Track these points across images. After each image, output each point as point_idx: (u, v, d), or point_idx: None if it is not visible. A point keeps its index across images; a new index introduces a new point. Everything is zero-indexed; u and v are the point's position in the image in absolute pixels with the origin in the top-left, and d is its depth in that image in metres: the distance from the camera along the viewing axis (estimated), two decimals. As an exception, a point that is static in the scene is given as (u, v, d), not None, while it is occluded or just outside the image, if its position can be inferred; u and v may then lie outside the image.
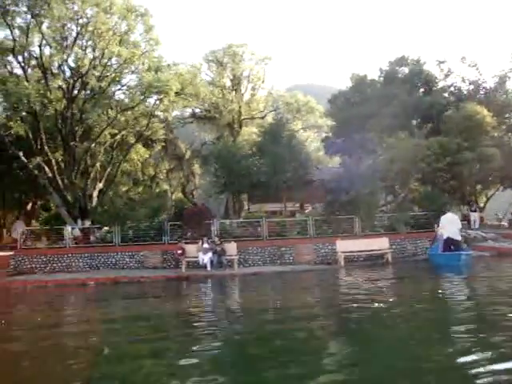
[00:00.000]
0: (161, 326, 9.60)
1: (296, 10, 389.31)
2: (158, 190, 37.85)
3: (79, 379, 6.02)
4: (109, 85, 26.36)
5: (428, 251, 20.27)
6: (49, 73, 25.17)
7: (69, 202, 25.13)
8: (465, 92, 30.45)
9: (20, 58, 24.70)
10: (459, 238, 18.37)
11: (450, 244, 18.07)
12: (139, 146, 31.28)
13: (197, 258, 19.65)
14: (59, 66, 25.76)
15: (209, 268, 19.24)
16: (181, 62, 29.59)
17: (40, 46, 24.60)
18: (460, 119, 25.71)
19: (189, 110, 38.67)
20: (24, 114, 25.13)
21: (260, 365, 6.15)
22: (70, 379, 6.00)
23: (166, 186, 39.85)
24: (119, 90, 28.59)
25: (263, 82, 40.61)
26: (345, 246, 20.35)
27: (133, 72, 27.43)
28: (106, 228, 22.30)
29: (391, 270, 18.08)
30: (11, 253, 21.42)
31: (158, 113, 29.39)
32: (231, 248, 20.08)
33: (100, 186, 28.38)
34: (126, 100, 28.35)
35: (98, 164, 28.81)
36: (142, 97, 26.70)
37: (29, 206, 34.64)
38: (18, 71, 25.19)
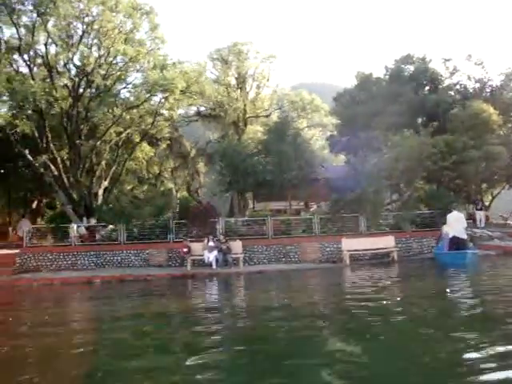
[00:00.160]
0: (168, 323, 9.60)
1: (300, 9, 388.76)
2: (162, 189, 37.87)
3: (84, 374, 6.05)
4: (114, 83, 26.49)
5: (434, 250, 20.22)
6: (54, 71, 25.29)
7: (74, 200, 25.22)
8: (471, 90, 30.31)
9: (26, 57, 24.84)
10: (465, 236, 18.26)
11: (455, 243, 17.99)
12: (144, 144, 31.37)
13: (202, 256, 19.69)
14: (65, 65, 25.87)
15: (214, 266, 19.26)
16: (186, 60, 29.67)
17: (46, 45, 24.72)
18: (466, 117, 25.62)
19: (194, 109, 38.79)
20: (30, 112, 25.19)
21: (267, 363, 6.13)
22: (75, 374, 6.03)
23: (170, 185, 39.87)
24: (124, 88, 28.76)
25: (268, 80, 40.73)
26: (350, 245, 20.32)
27: (138, 70, 27.58)
28: (111, 226, 22.35)
29: (397, 269, 18.04)
30: (17, 251, 21.49)
31: (163, 111, 29.41)
32: (236, 246, 20.10)
33: (105, 184, 28.49)
34: (132, 98, 28.46)
35: (103, 162, 28.91)
36: (147, 95, 26.79)
37: (34, 205, 34.74)
38: (24, 70, 25.36)
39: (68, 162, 26.36)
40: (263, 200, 29.20)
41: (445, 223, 18.95)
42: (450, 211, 19.47)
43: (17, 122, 24.45)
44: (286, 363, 5.93)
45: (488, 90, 29.96)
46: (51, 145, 25.40)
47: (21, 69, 25.40)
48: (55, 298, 14.88)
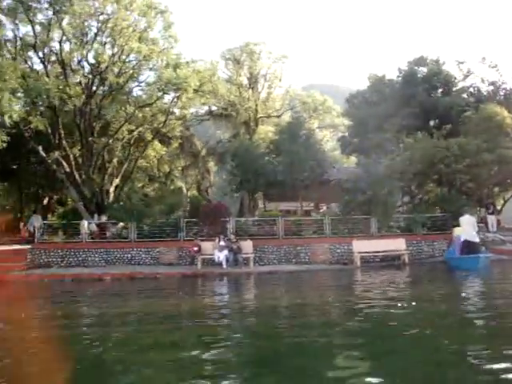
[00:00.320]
0: (179, 321, 9.64)
1: (313, 10, 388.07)
2: (172, 187, 37.97)
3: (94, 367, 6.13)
4: (127, 81, 26.61)
5: (445, 253, 20.07)
6: (68, 68, 25.49)
7: (86, 196, 25.36)
8: (484, 93, 30.06)
9: (41, 54, 25.07)
10: (477, 240, 18.10)
11: (466, 246, 17.83)
12: (156, 142, 31.42)
13: (212, 255, 19.67)
14: (79, 62, 26.08)
15: (224, 266, 19.24)
16: (199, 59, 29.62)
17: (60, 42, 24.93)
18: (479, 120, 25.39)
19: (205, 108, 38.78)
20: (43, 108, 25.42)
21: (276, 363, 6.13)
22: (86, 367, 6.14)
23: (180, 183, 39.96)
24: (137, 86, 28.97)
25: (280, 80, 40.67)
26: (361, 247, 20.20)
27: (151, 69, 27.66)
28: (121, 223, 22.40)
29: (408, 272, 17.88)
30: (28, 246, 21.63)
31: (175, 110, 29.48)
32: (247, 246, 20.06)
33: (117, 181, 28.60)
34: (144, 96, 28.55)
35: (115, 160, 29.05)
36: (159, 93, 26.86)
37: (45, 201, 34.95)
38: (39, 67, 25.63)
39: (80, 159, 26.53)
40: (273, 200, 29.14)
41: (456, 226, 18.83)
42: (462, 215, 19.34)
43: (30, 118, 24.58)
44: (293, 362, 5.96)
45: (502, 93, 29.69)
46: (64, 142, 25.57)
47: (35, 66, 25.73)
48: (68, 294, 14.90)
